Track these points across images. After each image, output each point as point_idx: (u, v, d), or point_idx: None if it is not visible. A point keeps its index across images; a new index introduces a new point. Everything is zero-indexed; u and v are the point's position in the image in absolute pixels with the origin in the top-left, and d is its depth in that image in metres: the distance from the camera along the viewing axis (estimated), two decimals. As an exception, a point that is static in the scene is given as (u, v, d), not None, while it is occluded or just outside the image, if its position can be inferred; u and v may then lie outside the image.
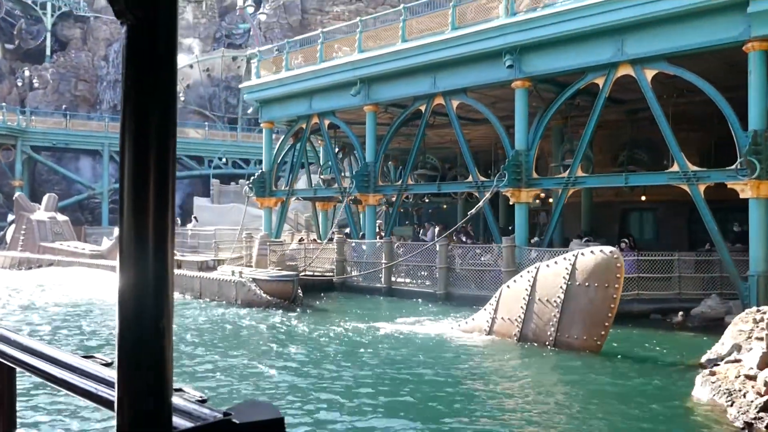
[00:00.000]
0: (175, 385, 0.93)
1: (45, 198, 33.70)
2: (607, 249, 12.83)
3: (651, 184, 19.85)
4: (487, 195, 19.24)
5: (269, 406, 0.95)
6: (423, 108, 21.59)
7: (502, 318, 13.79)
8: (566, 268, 12.86)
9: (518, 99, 19.27)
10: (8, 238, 33.06)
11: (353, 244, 23.34)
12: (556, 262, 13.32)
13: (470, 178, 20.99)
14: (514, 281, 14.08)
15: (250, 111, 31.85)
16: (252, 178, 27.15)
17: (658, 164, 22.95)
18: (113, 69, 60.30)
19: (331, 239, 27.39)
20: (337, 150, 28.63)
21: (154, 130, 0.87)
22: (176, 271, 21.84)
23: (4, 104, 45.66)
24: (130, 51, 0.86)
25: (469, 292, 19.54)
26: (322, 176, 27.96)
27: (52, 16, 60.06)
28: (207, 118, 54.71)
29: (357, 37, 22.85)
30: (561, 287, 12.86)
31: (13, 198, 33.09)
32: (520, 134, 19.25)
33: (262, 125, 27.25)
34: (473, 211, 19.41)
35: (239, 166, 49.33)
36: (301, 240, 28.06)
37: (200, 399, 1.02)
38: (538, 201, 29.41)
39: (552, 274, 13.14)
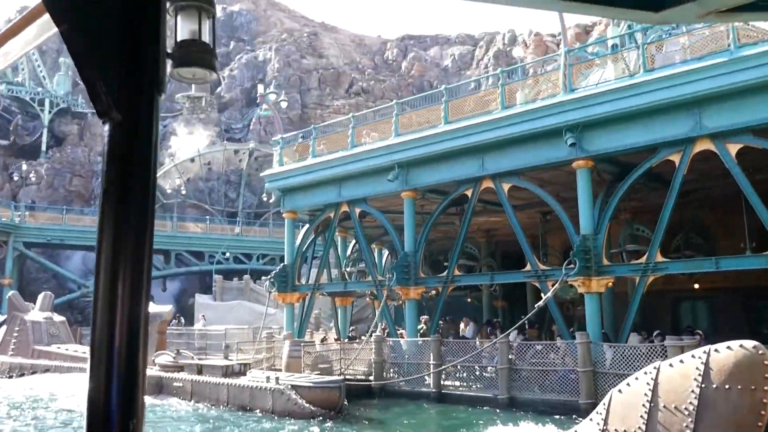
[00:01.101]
0: None
1: (40, 297, 31.17)
2: (749, 343, 10.85)
3: (746, 268, 17.33)
4: (556, 285, 17.36)
5: None
6: (469, 192, 20.03)
7: (617, 430, 11.56)
8: (697, 368, 10.71)
9: (581, 179, 17.88)
10: (-2, 341, 30.24)
11: (391, 343, 21.09)
12: (681, 361, 11.27)
13: (528, 267, 19.20)
14: (628, 384, 11.87)
15: (270, 201, 30.13)
16: (273, 272, 25.09)
17: (710, 249, 21.73)
18: (109, 164, 59.16)
19: (351, 338, 25.23)
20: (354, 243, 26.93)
21: (133, 228, 0.85)
22: (197, 378, 19.42)
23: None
24: (112, 150, 0.87)
25: (536, 396, 17.29)
26: (347, 269, 26.02)
27: (50, 112, 59.37)
28: (206, 212, 53.11)
29: (393, 120, 21.61)
30: (692, 391, 10.69)
31: (7, 297, 30.56)
32: (586, 217, 17.78)
33: (284, 215, 25.49)
34: (541, 303, 17.43)
35: (240, 261, 47.28)
36: (323, 339, 25.71)
37: None
38: (573, 292, 27.71)
39: (678, 375, 10.98)
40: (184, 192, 49.08)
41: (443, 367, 18.47)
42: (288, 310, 25.05)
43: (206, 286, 55.41)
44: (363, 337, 24.12)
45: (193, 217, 50.43)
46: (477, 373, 19.18)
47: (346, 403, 16.77)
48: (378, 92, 62.36)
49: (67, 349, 26.69)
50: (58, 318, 29.78)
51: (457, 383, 19.63)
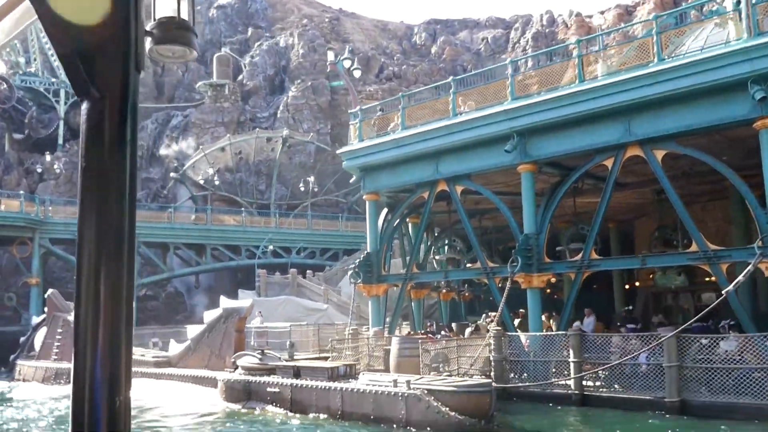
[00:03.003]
0: None
1: (81, 295, 28.35)
2: None
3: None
4: (750, 268, 14.44)
5: None
6: (609, 162, 17.22)
7: None
8: None
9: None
10: (37, 344, 27.40)
11: (508, 339, 18.26)
12: None
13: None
14: None
15: (305, 190, 27.37)
16: (357, 261, 22.22)
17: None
18: (130, 157, 56.26)
19: (428, 332, 22.50)
20: (422, 231, 24.16)
21: (114, 203, 0.85)
22: (298, 382, 16.58)
23: (22, 192, 40.78)
24: (90, 126, 0.86)
25: (717, 399, 14.49)
26: (435, 257, 23.20)
27: (66, 103, 56.34)
28: (235, 204, 50.19)
29: (508, 82, 18.75)
30: None
31: (45, 296, 27.69)
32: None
33: (365, 197, 22.64)
34: (731, 287, 14.57)
35: (279, 255, 44.37)
36: (409, 334, 22.86)
37: None
38: (681, 281, 24.98)
39: None
40: (217, 182, 46.11)
41: (606, 365, 15.62)
42: (374, 304, 22.20)
43: (238, 281, 52.60)
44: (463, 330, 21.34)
45: (226, 209, 47.52)
46: (619, 372, 16.34)
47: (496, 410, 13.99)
48: (411, 77, 59.51)
49: (121, 352, 23.84)
50: (104, 317, 26.91)
51: (597, 384, 16.85)
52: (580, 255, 17.75)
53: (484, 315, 20.86)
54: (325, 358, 21.76)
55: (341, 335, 26.69)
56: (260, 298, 38.11)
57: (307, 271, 40.15)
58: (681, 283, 25.07)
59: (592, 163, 17.69)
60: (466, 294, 32.77)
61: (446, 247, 23.33)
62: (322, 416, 15.57)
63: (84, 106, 0.86)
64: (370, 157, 21.86)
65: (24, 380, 26.01)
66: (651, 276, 26.26)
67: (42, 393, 22.32)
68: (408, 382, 14.29)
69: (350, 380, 16.23)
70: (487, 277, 19.42)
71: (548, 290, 33.68)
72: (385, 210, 23.62)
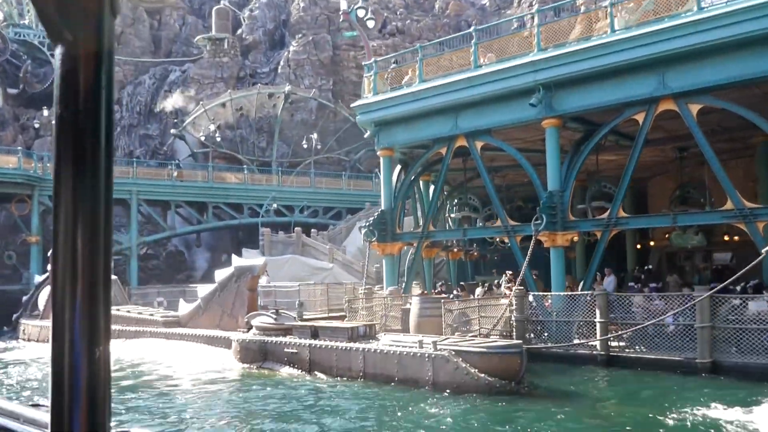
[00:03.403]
0: (124, 427, 0.98)
1: (85, 253, 27.74)
2: None
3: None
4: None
5: None
6: (641, 117, 16.51)
7: None
8: None
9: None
10: (41, 303, 26.88)
11: (531, 299, 17.81)
12: None
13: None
14: None
15: (308, 147, 26.64)
16: (371, 219, 21.60)
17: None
18: (127, 113, 55.09)
19: (441, 292, 22.08)
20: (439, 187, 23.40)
21: (90, 155, 0.83)
22: (318, 343, 16.12)
23: (20, 148, 39.81)
24: (64, 73, 0.83)
25: (749, 360, 14.11)
26: (452, 215, 22.61)
27: (60, 57, 54.77)
28: (234, 161, 49.29)
29: (534, 32, 17.88)
30: None
31: (48, 255, 27.03)
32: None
33: (379, 153, 21.90)
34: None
35: (282, 213, 43.70)
36: (423, 294, 22.40)
37: None
38: (698, 240, 24.51)
39: None
40: (219, 138, 45.13)
41: (637, 326, 15.18)
42: (388, 263, 21.67)
43: (239, 240, 52.07)
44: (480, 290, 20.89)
45: (227, 167, 46.66)
46: (642, 332, 15.93)
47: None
48: (415, 32, 58.02)
49: (129, 311, 23.37)
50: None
51: (623, 344, 16.47)
52: (607, 213, 17.17)
53: (505, 274, 20.31)
54: (336, 318, 21.33)
55: (351, 295, 26.32)
56: (264, 257, 37.61)
57: (312, 230, 39.58)
58: (698, 243, 24.56)
59: (622, 117, 16.97)
60: (475, 253, 32.33)
61: (458, 206, 22.60)
62: (343, 378, 15.15)
63: (57, 51, 0.82)
64: (386, 111, 21.06)
65: (29, 339, 25.57)
66: (666, 235, 25.79)
67: (48, 352, 21.93)
68: (434, 342, 13.82)
69: (370, 341, 15.78)
70: (508, 236, 18.86)
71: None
72: (398, 167, 22.93)
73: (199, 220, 43.14)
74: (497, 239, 26.63)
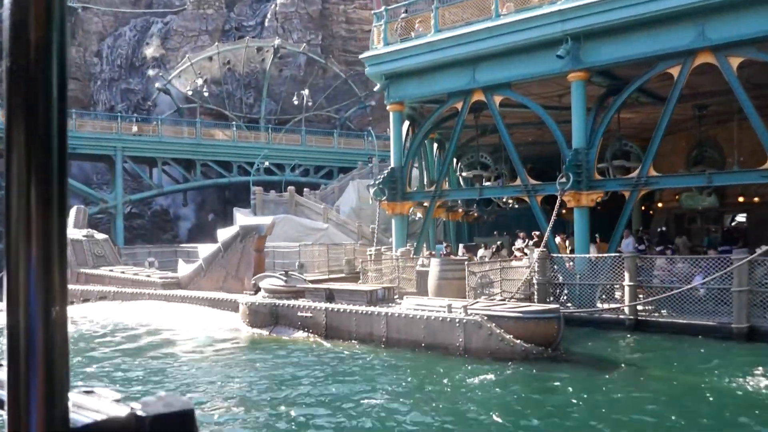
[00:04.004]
0: (88, 387, 0.93)
1: (72, 211, 26.44)
2: None
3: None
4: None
5: (180, 399, 0.91)
6: (675, 71, 15.64)
7: None
8: None
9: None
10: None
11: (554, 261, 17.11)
12: None
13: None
14: None
15: (301, 104, 25.43)
16: (380, 176, 20.64)
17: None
18: (107, 66, 52.93)
19: (448, 254, 21.37)
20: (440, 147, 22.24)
21: (43, 111, 0.80)
22: (336, 306, 15.30)
23: (-4, 101, 37.86)
24: (15, 24, 0.79)
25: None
26: (461, 174, 21.74)
27: (35, 6, 52.18)
28: (221, 117, 47.71)
29: (563, -22, 16.79)
30: None
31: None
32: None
33: (389, 107, 20.82)
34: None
35: (272, 172, 42.49)
36: (431, 254, 21.64)
37: (115, 399, 0.93)
38: (710, 201, 23.99)
39: None
40: (206, 93, 43.46)
41: (674, 290, 14.52)
42: (397, 223, 20.80)
43: (225, 200, 50.85)
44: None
45: (213, 123, 45.10)
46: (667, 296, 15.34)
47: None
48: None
49: (123, 272, 22.30)
50: (100, 236, 25.20)
51: (650, 307, 15.89)
52: (637, 172, 16.42)
53: (518, 236, 19.59)
54: (338, 280, 20.54)
55: (350, 256, 25.52)
56: (256, 217, 36.55)
57: (304, 190, 38.52)
58: (710, 204, 24.08)
59: (655, 71, 16.09)
60: (474, 214, 31.66)
61: (468, 165, 21.70)
62: (363, 343, 14.38)
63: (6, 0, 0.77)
64: (398, 63, 19.92)
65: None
66: (677, 197, 25.26)
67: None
68: (465, 307, 13.07)
69: (390, 304, 15.00)
70: (528, 196, 18.06)
71: (564, 211, 32.75)
72: (407, 123, 21.92)
73: (187, 178, 41.79)
74: (505, 199, 25.90)
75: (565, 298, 17.06)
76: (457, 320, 12.93)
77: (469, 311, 12.97)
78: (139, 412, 0.85)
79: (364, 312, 14.53)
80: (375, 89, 20.69)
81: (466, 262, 15.98)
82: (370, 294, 15.13)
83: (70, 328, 12.80)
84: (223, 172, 41.96)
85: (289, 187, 36.56)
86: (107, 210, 39.03)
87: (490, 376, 11.40)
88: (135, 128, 39.25)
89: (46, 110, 0.79)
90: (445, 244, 24.77)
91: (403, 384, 11.36)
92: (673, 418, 8.86)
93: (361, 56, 21.27)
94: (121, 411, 0.86)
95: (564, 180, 16.39)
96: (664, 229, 23.09)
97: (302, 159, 43.54)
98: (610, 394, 10.21)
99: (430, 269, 16.39)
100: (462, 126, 19.51)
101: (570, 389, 10.60)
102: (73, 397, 0.86)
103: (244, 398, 10.31)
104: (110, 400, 0.92)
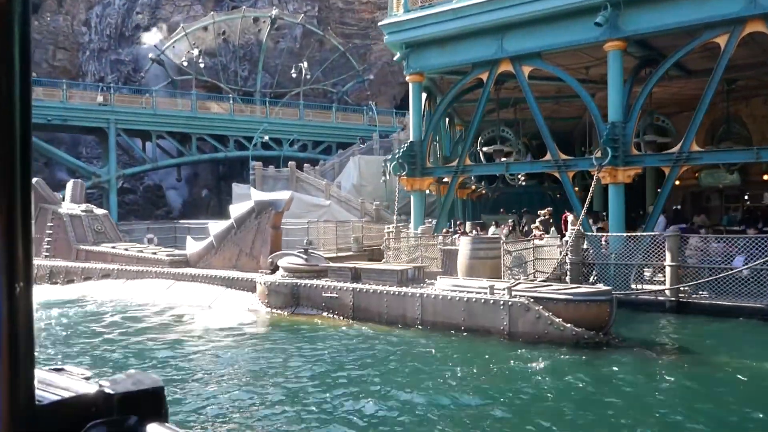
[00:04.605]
0: (58, 365, 0.94)
1: (69, 185, 25.31)
2: None
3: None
4: None
5: (150, 376, 0.91)
6: (722, 40, 14.81)
7: None
8: None
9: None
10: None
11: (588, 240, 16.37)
12: None
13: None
14: None
15: (299, 76, 24.37)
16: (399, 150, 19.70)
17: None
18: (96, 36, 51.14)
19: (464, 232, 20.67)
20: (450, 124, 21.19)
21: (5, 76, 0.79)
22: (365, 287, 14.46)
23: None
24: None
25: None
26: (482, 149, 20.88)
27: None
28: (219, 91, 46.33)
29: (603, -62, 15.83)
30: None
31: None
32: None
33: (408, 78, 19.83)
34: None
35: (269, 147, 41.35)
36: (447, 232, 20.84)
37: (85, 377, 0.96)
38: (732, 179, 23.41)
39: None
40: (203, 64, 42.01)
41: (731, 270, 13.83)
42: (416, 200, 19.94)
43: (219, 175, 49.64)
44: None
45: (207, 95, 43.72)
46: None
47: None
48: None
49: (126, 249, 21.29)
50: (99, 211, 24.11)
51: (685, 291, 15.23)
52: (678, 147, 15.65)
53: (540, 212, 18.84)
54: (350, 258, 19.73)
55: (357, 233, 24.67)
56: (256, 191, 35.49)
57: (305, 165, 37.47)
58: (731, 182, 23.50)
59: (699, 40, 15.26)
60: (482, 192, 30.97)
61: (486, 140, 20.84)
62: (395, 326, 13.58)
63: None
64: (420, 30, 18.91)
65: None
66: (696, 174, 24.61)
67: (39, 295, 19.77)
68: (509, 288, 12.30)
69: (422, 285, 14.21)
70: (559, 171, 17.25)
71: (576, 189, 32.07)
72: (424, 95, 20.96)
73: (182, 152, 40.51)
74: (518, 176, 25.13)
75: (594, 278, 16.39)
76: (501, 302, 12.16)
77: (513, 293, 12.21)
78: (108, 390, 0.83)
79: (396, 293, 13.72)
80: (395, 59, 19.63)
81: (502, 241, 15.16)
82: (401, 273, 14.30)
83: (74, 309, 11.76)
84: (219, 146, 40.72)
85: (290, 163, 35.49)
86: (99, 185, 37.74)
87: (546, 363, 10.65)
88: (100, 98, 37.12)
89: (8, 79, 0.74)
90: (458, 222, 24.02)
91: (451, 371, 10.57)
92: (760, 414, 8.16)
93: (380, 23, 20.19)
94: (90, 388, 0.85)
95: (600, 155, 15.57)
96: (678, 207, 22.46)
97: (300, 134, 42.40)
98: (684, 384, 9.50)
99: (460, 248, 15.59)
100: (487, 98, 18.59)
101: (637, 377, 9.91)
102: (42, 374, 0.84)
103: (283, 387, 9.47)
104: (80, 377, 0.90)
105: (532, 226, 20.71)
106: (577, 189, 31.48)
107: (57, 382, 0.88)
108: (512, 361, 10.85)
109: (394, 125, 45.78)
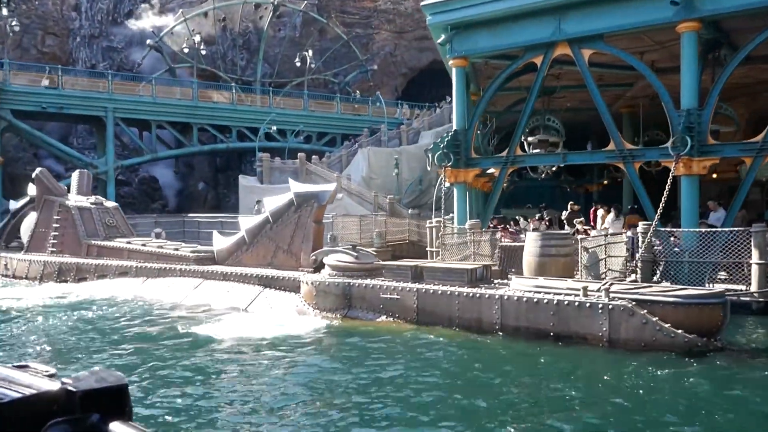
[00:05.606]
0: (22, 362, 0.90)
1: (75, 175, 23.65)
2: None
3: None
4: None
5: (113, 374, 0.88)
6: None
7: None
8: None
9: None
10: (25, 234, 22.84)
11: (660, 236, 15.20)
12: None
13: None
14: None
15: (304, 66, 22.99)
16: (442, 140, 18.37)
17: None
18: (87, 22, 49.06)
19: (504, 227, 19.57)
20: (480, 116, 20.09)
21: None
22: (427, 287, 13.14)
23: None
24: None
25: None
26: (527, 139, 19.66)
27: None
28: (219, 80, 44.61)
29: None
30: None
31: (33, 175, 22.80)
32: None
33: (451, 63, 18.50)
34: None
35: (274, 138, 39.79)
36: (505, 229, 19.58)
37: (48, 374, 0.91)
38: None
39: None
40: (204, 51, 40.26)
41: None
42: (459, 192, 18.67)
43: (217, 167, 47.95)
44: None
45: (206, 84, 41.99)
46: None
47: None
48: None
49: (144, 245, 19.74)
50: (110, 203, 22.53)
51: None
52: (762, 136, 14.53)
53: (598, 206, 17.68)
54: (372, 254, 18.39)
55: (380, 228, 23.38)
56: (263, 185, 34.02)
57: (313, 157, 36.02)
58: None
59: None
60: (504, 185, 29.81)
61: (531, 130, 19.64)
62: (469, 331, 12.28)
63: None
64: (467, 11, 17.59)
65: (14, 276, 21.67)
66: (737, 167, 23.64)
67: (46, 293, 18.13)
68: (606, 289, 11.07)
69: (494, 285, 12.94)
70: (624, 162, 16.06)
71: (605, 182, 30.97)
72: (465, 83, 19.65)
73: (181, 142, 38.78)
74: (548, 168, 23.94)
75: (658, 276, 15.26)
76: (600, 305, 10.93)
77: (612, 295, 10.99)
78: (70, 387, 0.82)
79: (469, 294, 12.41)
80: (439, 41, 18.27)
81: (579, 237, 13.93)
82: (471, 273, 13.01)
83: (90, 310, 10.08)
84: (221, 137, 39.06)
85: (299, 154, 34.02)
86: (96, 176, 35.88)
87: (665, 376, 9.42)
88: (46, 82, 34.39)
89: None
90: (492, 216, 22.81)
91: (551, 384, 9.30)
92: None
93: (422, 4, 18.82)
94: (52, 386, 0.83)
95: (677, 145, 14.40)
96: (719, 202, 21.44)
97: (305, 125, 40.87)
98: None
99: (526, 244, 14.33)
100: (541, 85, 17.34)
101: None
102: (4, 371, 0.82)
103: (360, 406, 8.13)
104: (43, 374, 0.87)
105: (575, 221, 19.58)
106: (606, 182, 30.58)
107: (19, 379, 0.84)
108: (626, 374, 9.61)
109: (398, 116, 44.44)
